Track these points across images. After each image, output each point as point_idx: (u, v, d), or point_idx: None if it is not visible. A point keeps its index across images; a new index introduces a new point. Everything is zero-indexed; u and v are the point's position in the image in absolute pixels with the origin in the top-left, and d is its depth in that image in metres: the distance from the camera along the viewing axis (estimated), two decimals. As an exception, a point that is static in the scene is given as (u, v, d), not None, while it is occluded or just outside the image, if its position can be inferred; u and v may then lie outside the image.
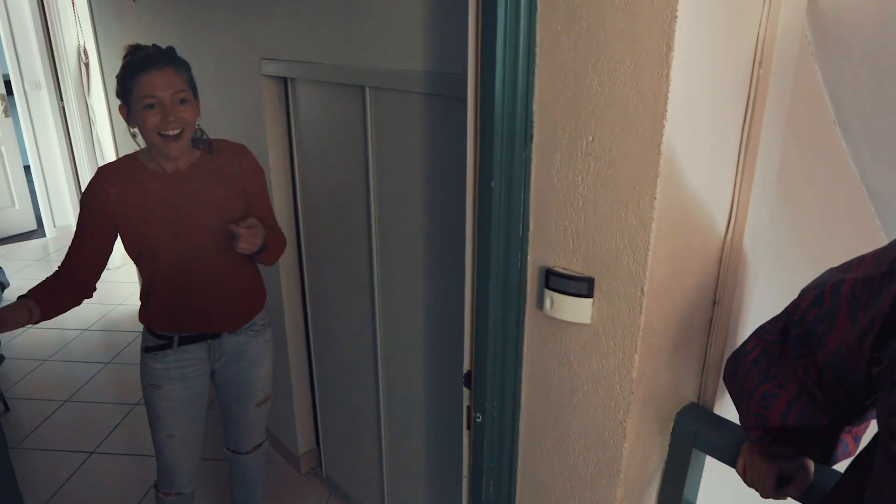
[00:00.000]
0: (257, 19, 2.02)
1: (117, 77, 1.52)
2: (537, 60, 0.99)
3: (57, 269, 1.62)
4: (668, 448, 1.20)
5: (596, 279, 1.01)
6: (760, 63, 1.03)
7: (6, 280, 4.07)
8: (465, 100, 1.13)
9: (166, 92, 1.47)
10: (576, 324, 1.06)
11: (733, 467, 1.10)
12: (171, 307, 1.67)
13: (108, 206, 1.56)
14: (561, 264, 1.06)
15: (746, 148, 1.07)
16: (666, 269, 0.99)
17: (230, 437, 1.95)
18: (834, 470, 1.01)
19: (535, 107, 1.01)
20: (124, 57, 1.53)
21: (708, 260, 1.11)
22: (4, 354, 3.39)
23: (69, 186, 5.32)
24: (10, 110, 5.25)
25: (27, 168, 5.38)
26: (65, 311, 1.58)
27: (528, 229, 1.08)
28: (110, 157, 4.20)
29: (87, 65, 4.49)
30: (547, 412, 1.16)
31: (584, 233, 1.01)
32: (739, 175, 1.08)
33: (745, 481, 1.05)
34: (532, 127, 1.03)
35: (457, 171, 1.51)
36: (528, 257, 1.10)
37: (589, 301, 1.03)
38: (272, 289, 1.96)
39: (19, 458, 2.74)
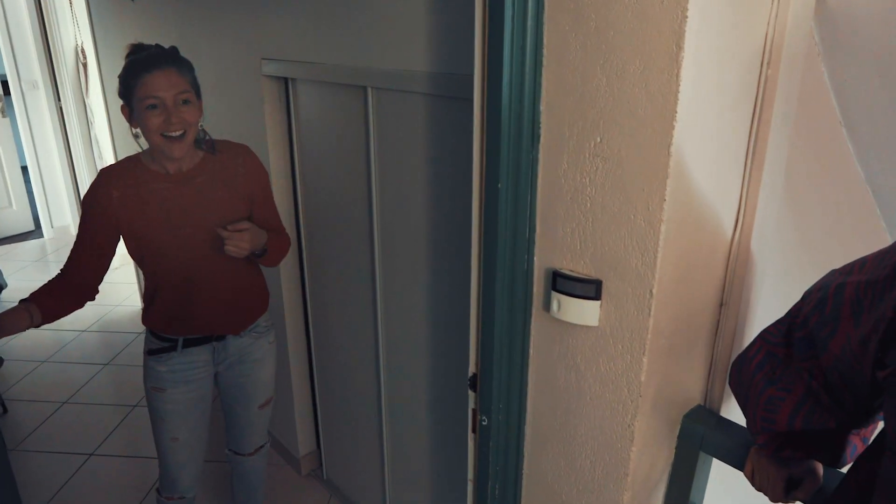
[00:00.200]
0: (257, 19, 2.01)
1: (119, 77, 1.50)
2: (544, 61, 0.98)
3: (59, 271, 1.60)
4: (674, 451, 1.19)
5: (604, 281, 1.01)
6: (769, 63, 1.02)
7: (4, 281, 4.05)
8: (468, 100, 1.12)
9: (169, 93, 1.46)
10: (583, 326, 1.05)
11: (740, 470, 1.09)
12: (174, 310, 1.65)
13: (110, 209, 1.55)
14: (568, 266, 1.05)
15: (754, 149, 1.06)
16: (674, 271, 0.98)
17: (232, 439, 1.94)
18: (842, 473, 1.00)
19: (543, 107, 1.01)
20: (126, 56, 1.52)
21: (715, 262, 1.10)
22: (3, 357, 3.38)
23: (67, 187, 5.31)
24: (8, 110, 5.23)
25: (24, 168, 5.36)
26: (67, 314, 1.57)
27: (534, 231, 1.07)
28: (108, 157, 4.19)
29: (85, 65, 4.48)
30: (553, 415, 1.15)
31: (591, 234, 1.00)
32: (747, 176, 1.08)
33: (753, 485, 1.04)
34: (539, 128, 1.02)
35: (460, 172, 1.50)
36: (535, 259, 1.09)
37: (597, 303, 1.02)
38: (272, 290, 1.95)
39: (18, 460, 2.72)
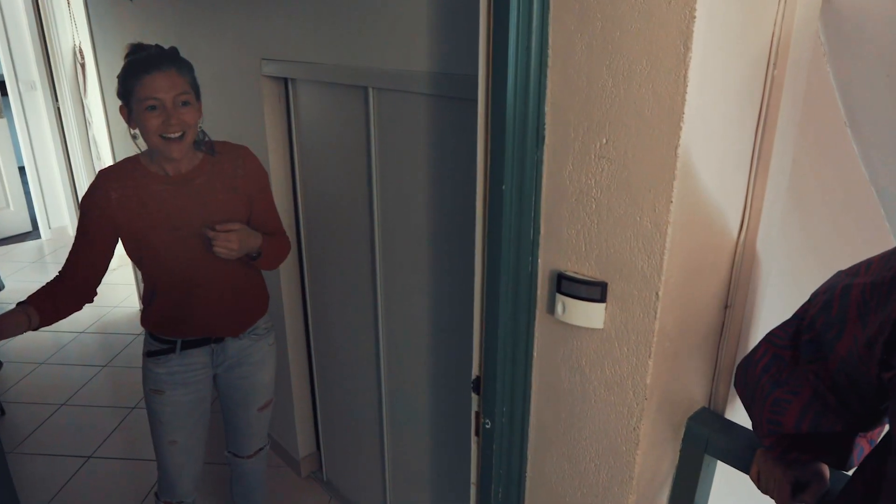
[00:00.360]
0: (257, 18, 2.00)
1: (118, 77, 1.49)
2: (550, 62, 0.97)
3: (57, 274, 1.59)
4: (679, 453, 1.19)
5: (609, 283, 1.00)
6: (775, 64, 1.01)
7: (1, 283, 4.03)
8: (471, 101, 1.11)
9: (168, 94, 1.45)
10: (588, 329, 1.04)
11: (745, 473, 1.09)
12: (173, 311, 1.64)
13: (108, 210, 1.54)
14: (573, 268, 1.04)
15: (760, 149, 1.06)
16: (680, 273, 0.98)
17: (231, 441, 1.93)
18: (848, 475, 0.99)
19: (547, 108, 1.00)
20: (126, 56, 1.51)
21: (720, 263, 1.10)
22: (1, 360, 3.36)
23: (65, 188, 5.29)
24: (5, 111, 5.21)
25: (22, 169, 5.34)
26: (65, 317, 1.56)
27: (538, 233, 1.06)
28: (106, 157, 4.17)
29: (83, 65, 4.46)
30: (557, 418, 1.14)
31: (596, 236, 0.99)
32: (753, 177, 1.07)
33: (759, 488, 1.04)
34: (544, 129, 1.01)
35: (462, 173, 1.49)
36: (539, 261, 1.08)
37: (602, 306, 1.01)
38: (272, 291, 1.94)
39: (16, 463, 2.71)
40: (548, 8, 0.95)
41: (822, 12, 1.08)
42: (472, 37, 1.06)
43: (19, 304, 1.50)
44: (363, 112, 1.75)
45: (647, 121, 0.89)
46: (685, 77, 0.84)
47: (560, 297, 1.05)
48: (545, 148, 1.02)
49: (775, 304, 1.23)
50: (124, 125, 1.55)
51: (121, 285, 4.30)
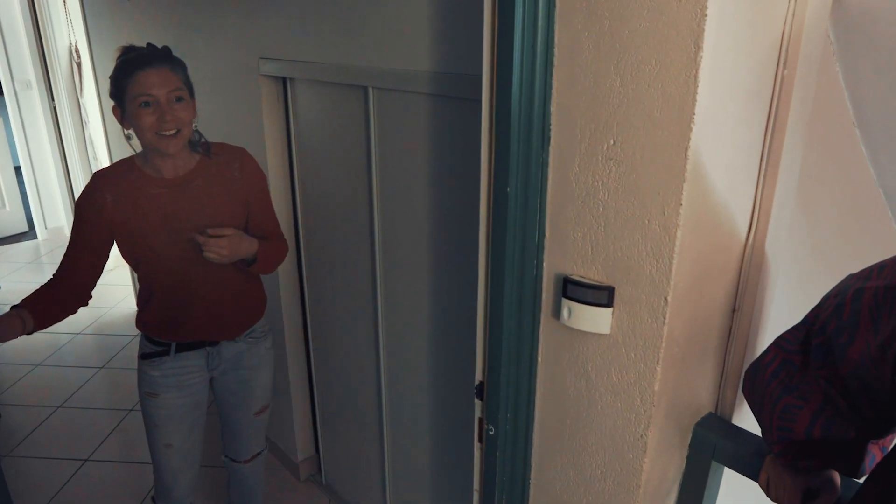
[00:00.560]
0: (255, 17, 1.97)
1: (111, 77, 1.47)
2: (555, 61, 0.95)
3: (51, 277, 1.57)
4: (685, 460, 1.17)
5: (616, 288, 0.98)
6: (785, 63, 0.99)
7: (-3, 283, 4.01)
8: (473, 101, 1.09)
9: (162, 90, 1.43)
10: (594, 334, 1.02)
11: (753, 480, 1.07)
12: (169, 314, 1.62)
13: (104, 213, 1.52)
14: (579, 272, 1.02)
15: (769, 150, 1.04)
16: (689, 277, 0.96)
17: (228, 446, 1.90)
18: (859, 482, 0.97)
19: (553, 109, 0.98)
20: (118, 58, 1.49)
21: (728, 266, 1.08)
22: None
23: (61, 188, 5.26)
24: (1, 110, 5.18)
25: (18, 169, 5.31)
26: (60, 320, 1.53)
27: (544, 236, 1.04)
28: (103, 157, 4.14)
29: (79, 64, 4.43)
30: (562, 425, 1.12)
31: (603, 240, 0.97)
32: (762, 179, 1.05)
33: (768, 496, 1.02)
34: (549, 130, 0.99)
35: (464, 174, 1.47)
36: (545, 265, 1.06)
37: (608, 311, 0.99)
38: (270, 293, 1.92)
39: (11, 466, 2.68)
40: (554, 6, 0.93)
41: (833, 11, 1.06)
42: (475, 35, 1.04)
43: (13, 307, 1.47)
44: (363, 112, 1.73)
45: (656, 122, 0.87)
46: (696, 77, 0.82)
47: (566, 302, 1.03)
48: (551, 149, 1.00)
49: (781, 308, 1.21)
50: (119, 126, 1.53)
51: (118, 286, 4.27)
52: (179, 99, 1.46)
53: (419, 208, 1.64)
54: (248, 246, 1.57)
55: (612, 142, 0.92)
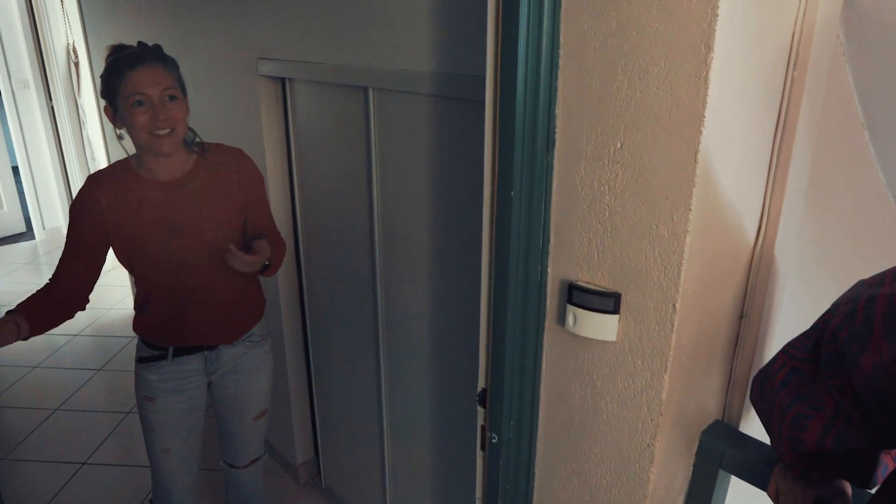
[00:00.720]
0: (254, 16, 1.95)
1: (102, 77, 1.45)
2: (561, 62, 0.93)
3: (47, 281, 1.54)
4: (692, 468, 1.14)
5: (623, 294, 0.95)
6: (795, 65, 0.97)
7: (-6, 284, 3.98)
8: (476, 102, 1.06)
9: (155, 89, 1.40)
10: (600, 341, 1.00)
11: (761, 489, 1.05)
12: (166, 318, 1.60)
13: (98, 217, 1.49)
14: (584, 278, 1.00)
15: (779, 153, 1.01)
16: (697, 283, 0.93)
17: (226, 451, 1.88)
18: (870, 493, 0.95)
19: (558, 111, 0.95)
20: (108, 57, 1.47)
21: (736, 271, 1.05)
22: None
23: (59, 188, 5.23)
24: (-2, 110, 5.15)
25: (15, 169, 5.28)
26: (56, 326, 1.51)
27: (548, 241, 1.02)
28: (101, 157, 4.12)
29: (76, 64, 4.40)
30: (567, 434, 1.10)
31: (610, 245, 0.95)
32: (771, 181, 1.03)
33: (778, 507, 0.99)
34: (554, 132, 0.96)
35: (466, 177, 1.45)
36: (549, 270, 1.03)
37: (615, 317, 0.97)
38: (269, 295, 1.90)
39: (7, 470, 2.66)
40: (559, 5, 0.90)
41: (843, 11, 1.04)
42: (478, 35, 1.01)
43: (8, 312, 1.45)
44: (363, 113, 1.70)
45: (664, 125, 0.84)
46: (706, 79, 0.80)
47: (571, 308, 1.00)
48: (556, 152, 0.97)
49: (788, 313, 1.19)
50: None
51: (116, 287, 4.25)
52: (173, 98, 1.44)
53: (420, 211, 1.62)
54: (266, 253, 1.57)
55: (618, 145, 0.90)
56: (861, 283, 0.87)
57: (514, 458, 1.15)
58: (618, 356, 0.99)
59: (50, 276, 1.55)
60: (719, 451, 1.11)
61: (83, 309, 1.58)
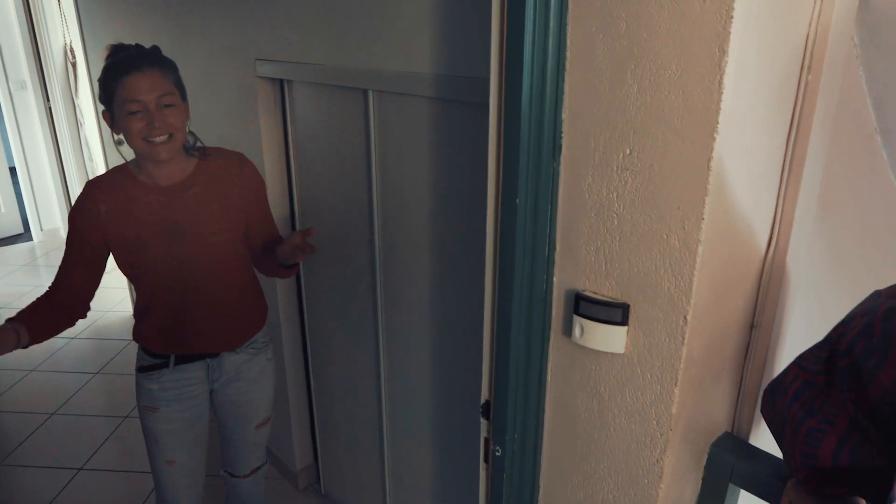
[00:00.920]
0: (251, 17, 1.92)
1: (99, 81, 1.42)
2: (568, 65, 0.90)
3: (47, 289, 1.51)
4: (701, 481, 1.11)
5: (632, 305, 0.92)
6: (809, 68, 0.94)
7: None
8: (478, 105, 1.03)
9: (150, 96, 1.37)
10: (607, 353, 0.97)
11: (772, 504, 1.02)
12: (168, 326, 1.56)
13: (98, 224, 1.46)
14: (591, 288, 0.97)
15: (792, 158, 0.98)
16: (709, 294, 0.90)
17: (227, 460, 1.84)
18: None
19: (565, 116, 0.92)
20: (106, 59, 1.43)
21: (747, 280, 1.02)
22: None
23: (56, 189, 5.20)
24: (-5, 111, 5.12)
25: (13, 170, 5.25)
26: (57, 334, 1.48)
27: (554, 249, 0.99)
28: (98, 159, 4.09)
29: (74, 64, 4.38)
30: (573, 447, 1.07)
31: (618, 255, 0.92)
32: (783, 188, 1.00)
33: (791, 523, 0.96)
34: (561, 138, 0.93)
35: (469, 182, 1.41)
36: (555, 280, 1.00)
37: (623, 329, 0.94)
38: (268, 300, 1.86)
39: (4, 476, 2.63)
40: (566, 6, 0.87)
41: (859, 12, 1.01)
42: (481, 36, 0.98)
43: (8, 320, 1.42)
44: (363, 116, 1.67)
45: (676, 131, 0.81)
46: (720, 83, 0.76)
47: (577, 319, 0.97)
48: (562, 158, 0.94)
49: (799, 322, 1.16)
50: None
51: (114, 289, 4.22)
52: (169, 105, 1.40)
53: (421, 216, 1.59)
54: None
55: (628, 151, 0.87)
56: (877, 295, 0.84)
57: (518, 472, 1.12)
58: (626, 369, 0.96)
59: (48, 280, 1.53)
60: (729, 464, 1.08)
61: (84, 316, 1.55)
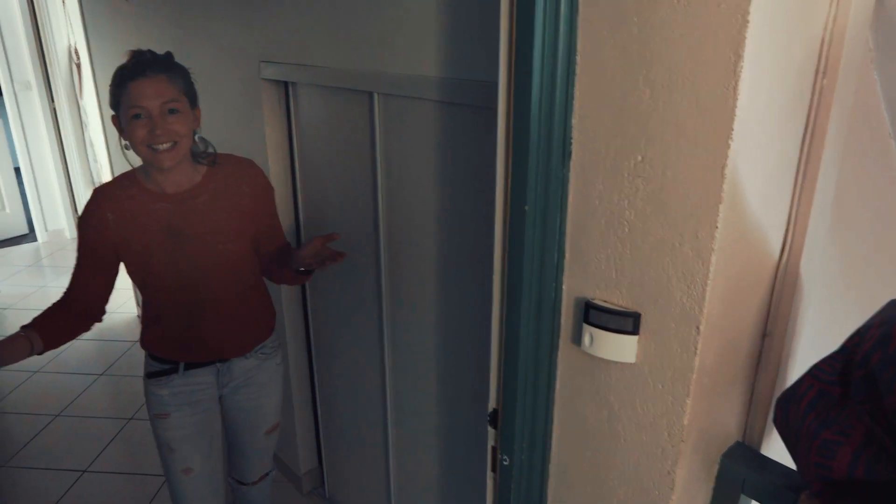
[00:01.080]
0: (256, 19, 1.90)
1: (109, 86, 1.41)
2: (578, 69, 0.88)
3: (62, 294, 1.50)
4: (712, 492, 1.09)
5: (643, 315, 0.91)
6: (824, 72, 0.92)
7: (-4, 287, 3.95)
8: (485, 109, 1.01)
9: (154, 102, 1.35)
10: (618, 363, 0.95)
11: (785, 515, 1.00)
12: (177, 334, 1.55)
13: (106, 231, 1.45)
14: (601, 297, 0.95)
15: (806, 164, 0.96)
16: (722, 303, 0.88)
17: (235, 467, 1.82)
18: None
19: (575, 121, 0.90)
20: (119, 65, 1.42)
21: (760, 288, 1.00)
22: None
23: (61, 189, 5.21)
24: (0, 112, 5.12)
25: (17, 170, 5.25)
26: (73, 339, 1.48)
27: (564, 257, 0.97)
28: (103, 160, 4.08)
29: (78, 65, 4.38)
30: (581, 458, 1.05)
31: (629, 263, 0.90)
32: (797, 195, 0.98)
33: (805, 536, 0.94)
34: (571, 143, 0.92)
35: (476, 187, 1.40)
36: (564, 288, 0.99)
37: (634, 338, 0.92)
38: (273, 303, 1.85)
39: (8, 477, 2.63)
40: (577, 9, 0.86)
41: (874, 16, 0.99)
42: (489, 39, 0.97)
43: (23, 327, 1.42)
44: (368, 119, 1.66)
45: (689, 137, 0.80)
46: (735, 89, 0.75)
47: (587, 328, 0.96)
48: (572, 164, 0.92)
49: (812, 331, 1.15)
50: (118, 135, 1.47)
51: (119, 290, 4.19)
52: (173, 111, 1.38)
53: (427, 221, 1.57)
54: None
55: (639, 158, 0.85)
56: (894, 304, 0.82)
57: (527, 482, 1.10)
58: (637, 378, 0.94)
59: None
60: (741, 475, 1.06)
61: (100, 321, 1.55)
